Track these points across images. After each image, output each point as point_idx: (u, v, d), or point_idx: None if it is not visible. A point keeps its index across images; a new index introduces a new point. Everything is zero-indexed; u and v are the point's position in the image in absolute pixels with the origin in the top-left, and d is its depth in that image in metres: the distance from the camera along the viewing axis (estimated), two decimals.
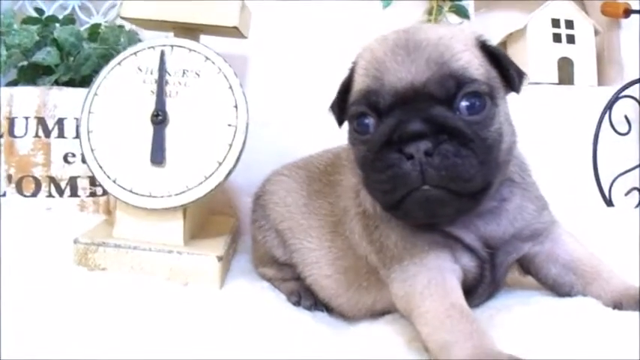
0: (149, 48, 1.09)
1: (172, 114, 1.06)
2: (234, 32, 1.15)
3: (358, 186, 0.94)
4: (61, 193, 1.28)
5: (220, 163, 1.03)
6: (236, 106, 1.05)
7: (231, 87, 1.06)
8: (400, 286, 0.84)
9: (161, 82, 1.06)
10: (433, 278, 0.82)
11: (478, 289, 0.90)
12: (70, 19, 1.54)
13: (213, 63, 1.07)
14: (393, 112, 0.78)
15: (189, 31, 1.15)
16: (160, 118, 1.05)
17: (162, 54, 1.08)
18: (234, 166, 1.04)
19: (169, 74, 1.07)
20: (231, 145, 1.03)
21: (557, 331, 0.80)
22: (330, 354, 0.87)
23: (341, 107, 0.89)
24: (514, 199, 0.90)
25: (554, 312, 0.86)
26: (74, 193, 1.28)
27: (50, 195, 1.27)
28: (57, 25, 1.49)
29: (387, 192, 0.79)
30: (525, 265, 0.96)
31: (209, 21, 1.11)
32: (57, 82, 1.38)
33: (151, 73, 1.07)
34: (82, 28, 1.54)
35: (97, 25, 1.53)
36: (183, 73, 1.07)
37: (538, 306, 0.89)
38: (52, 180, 1.28)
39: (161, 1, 1.10)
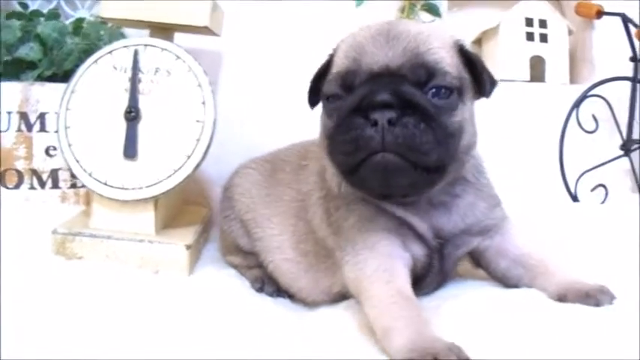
0: (124, 47, 1.14)
1: (145, 110, 1.11)
2: (207, 31, 1.20)
3: (323, 169, 1.00)
4: (42, 185, 1.33)
5: (189, 157, 1.08)
6: (204, 103, 1.10)
7: (200, 85, 1.11)
8: (352, 269, 0.90)
9: (134, 80, 1.11)
10: (382, 264, 0.88)
11: (427, 278, 0.96)
12: (55, 14, 1.58)
13: (183, 62, 1.12)
14: (366, 85, 0.84)
15: (164, 29, 1.20)
16: (132, 115, 1.10)
17: (136, 53, 1.13)
18: (202, 159, 1.09)
19: (142, 72, 1.12)
20: (199, 140, 1.09)
21: (500, 320, 0.85)
22: (290, 338, 0.93)
23: (315, 89, 0.94)
24: (466, 196, 0.96)
25: (498, 302, 0.91)
26: (55, 185, 1.34)
27: (32, 187, 1.32)
28: (41, 19, 1.53)
29: (348, 154, 0.85)
30: (476, 258, 1.02)
31: (181, 21, 1.16)
32: (40, 77, 1.42)
33: (125, 72, 1.12)
34: (67, 22, 1.59)
35: (80, 20, 1.58)
36: (156, 71, 1.12)
37: (484, 296, 0.94)
38: (35, 172, 1.33)
39: (136, 2, 1.15)
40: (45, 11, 1.60)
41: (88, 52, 1.42)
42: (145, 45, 1.14)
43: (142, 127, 1.10)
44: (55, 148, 1.34)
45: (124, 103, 1.11)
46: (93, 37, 1.45)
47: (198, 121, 1.10)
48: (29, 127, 1.34)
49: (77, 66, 1.41)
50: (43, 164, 1.34)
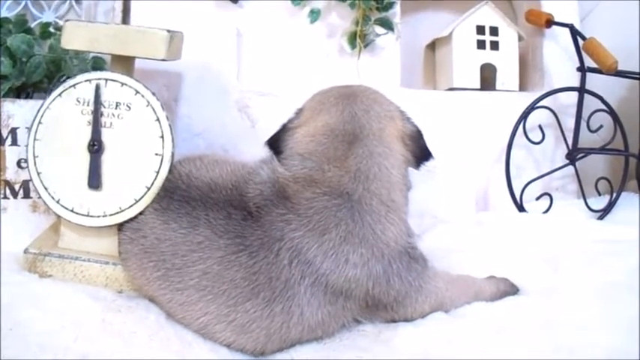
0: (86, 81, 1.21)
1: (107, 143, 1.20)
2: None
3: None
4: (15, 195, 1.42)
5: (149, 188, 1.18)
6: (162, 137, 1.19)
7: (158, 119, 1.19)
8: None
9: (96, 114, 1.19)
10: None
11: None
12: (23, 20, 1.63)
13: (142, 96, 1.20)
14: None
15: (124, 57, 1.27)
16: (95, 148, 1.19)
17: (98, 87, 1.20)
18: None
19: (104, 106, 1.20)
20: (157, 172, 1.18)
21: None
22: None
23: None
24: None
25: None
26: (27, 195, 1.43)
27: (5, 197, 1.42)
28: (10, 26, 1.58)
29: None
30: None
31: (138, 54, 1.23)
32: (10, 89, 1.49)
33: (88, 105, 1.20)
34: (33, 24, 1.65)
35: (47, 24, 1.64)
36: (116, 105, 1.20)
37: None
38: (7, 183, 1.42)
39: (96, 36, 1.21)
40: (12, 15, 1.65)
41: (55, 63, 1.51)
42: (106, 80, 1.21)
43: (105, 159, 1.19)
44: (26, 161, 1.42)
45: (88, 136, 1.20)
46: (59, 51, 1.52)
47: (157, 154, 1.19)
48: (1, 142, 1.42)
49: (46, 76, 1.51)
50: (15, 176, 1.42)
